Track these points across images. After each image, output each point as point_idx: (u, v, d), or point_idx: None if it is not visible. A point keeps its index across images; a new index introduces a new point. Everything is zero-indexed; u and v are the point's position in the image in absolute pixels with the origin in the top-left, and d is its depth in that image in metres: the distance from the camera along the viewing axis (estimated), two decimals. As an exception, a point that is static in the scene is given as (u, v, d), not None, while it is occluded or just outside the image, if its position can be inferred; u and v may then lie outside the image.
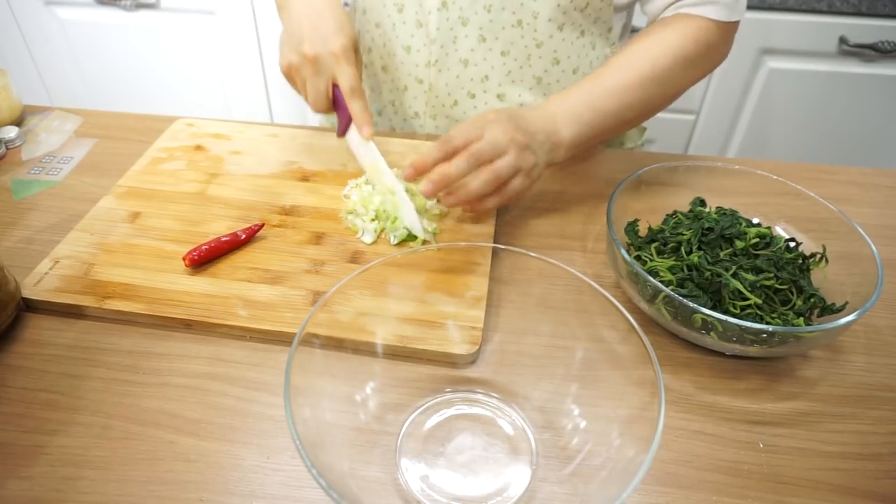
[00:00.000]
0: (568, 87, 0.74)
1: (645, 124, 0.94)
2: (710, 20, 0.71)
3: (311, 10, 0.71)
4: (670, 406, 0.52)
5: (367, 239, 0.65)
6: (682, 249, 0.58)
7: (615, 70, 0.71)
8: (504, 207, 0.71)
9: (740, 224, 0.59)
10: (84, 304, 0.57)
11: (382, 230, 0.66)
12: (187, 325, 0.57)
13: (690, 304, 0.50)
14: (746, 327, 0.49)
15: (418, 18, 0.78)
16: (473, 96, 0.82)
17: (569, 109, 0.69)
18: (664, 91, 0.72)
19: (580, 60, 0.81)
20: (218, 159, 0.77)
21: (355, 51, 0.71)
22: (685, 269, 0.56)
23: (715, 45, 0.73)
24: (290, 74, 0.72)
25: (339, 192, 0.72)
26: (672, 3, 0.74)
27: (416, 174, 0.63)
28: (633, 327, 0.44)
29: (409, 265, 0.55)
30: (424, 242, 0.65)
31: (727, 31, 0.73)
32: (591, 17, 0.78)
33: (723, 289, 0.54)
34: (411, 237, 0.65)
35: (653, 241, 0.61)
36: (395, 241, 0.65)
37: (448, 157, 0.62)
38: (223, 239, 0.62)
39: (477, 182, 0.62)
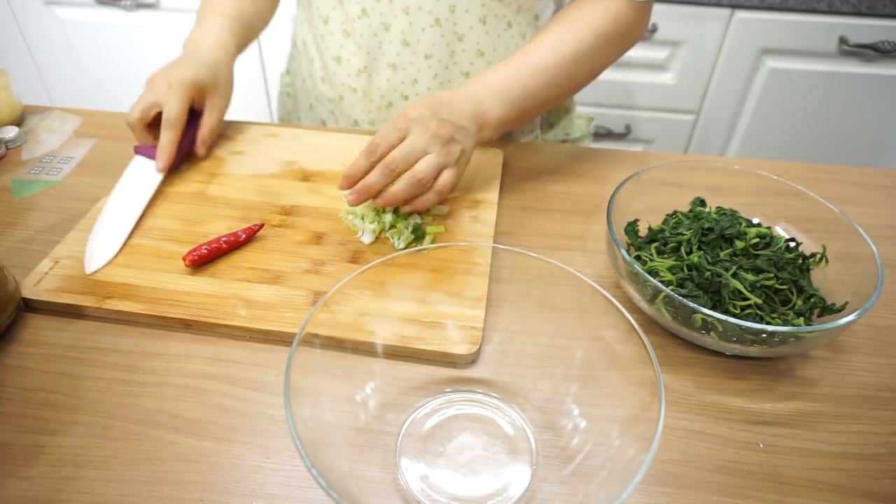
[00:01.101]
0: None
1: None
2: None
3: (194, 40, 0.76)
4: (670, 406, 0.52)
5: (367, 239, 0.64)
6: (682, 249, 0.58)
7: (541, 48, 0.71)
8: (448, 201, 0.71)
9: (740, 224, 0.59)
10: (84, 304, 0.57)
11: (382, 230, 0.66)
12: (187, 325, 0.57)
13: (690, 304, 0.50)
14: (746, 327, 0.49)
15: (344, 28, 0.79)
16: (406, 98, 0.83)
17: (495, 87, 0.69)
18: (589, 69, 0.73)
19: (508, 52, 0.81)
20: (218, 159, 0.77)
21: (206, 93, 0.74)
22: (685, 269, 0.56)
23: (634, 24, 0.73)
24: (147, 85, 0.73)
25: (339, 192, 0.72)
26: None
27: (350, 185, 0.63)
28: (633, 327, 0.44)
29: (409, 265, 0.55)
30: (433, 241, 0.65)
31: (642, 10, 0.74)
32: (513, 7, 0.78)
33: (723, 289, 0.54)
34: (417, 240, 0.65)
35: (653, 241, 0.61)
36: (402, 246, 0.65)
37: (375, 164, 0.63)
38: (223, 239, 0.62)
39: (399, 186, 0.62)
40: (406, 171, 0.62)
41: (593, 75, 0.75)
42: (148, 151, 0.73)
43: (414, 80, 0.81)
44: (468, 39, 0.79)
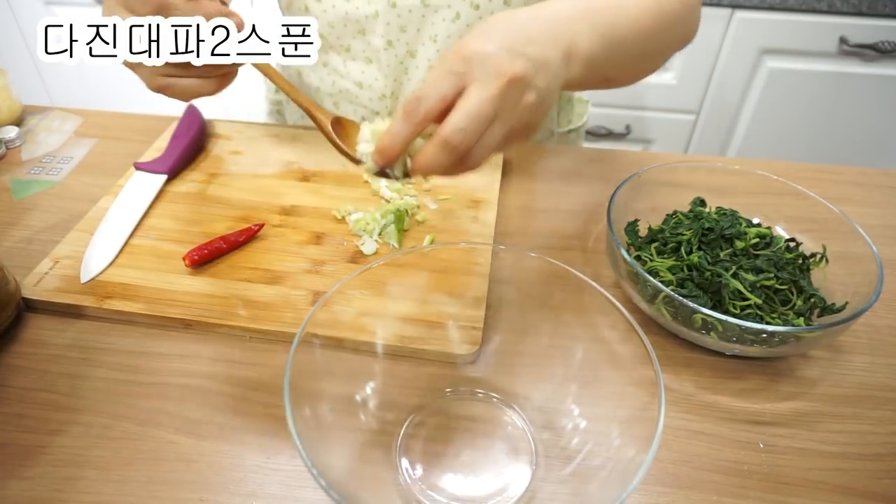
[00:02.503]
0: None
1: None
2: None
3: None
4: (670, 406, 0.52)
5: (368, 249, 0.64)
6: (682, 249, 0.58)
7: None
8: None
9: (740, 224, 0.59)
10: (84, 304, 0.57)
11: (382, 237, 0.66)
12: (187, 325, 0.57)
13: (690, 304, 0.50)
14: (746, 327, 0.49)
15: (367, 56, 0.79)
16: None
17: (579, 14, 0.51)
18: (667, 36, 0.62)
19: None
20: (218, 159, 0.77)
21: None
22: (685, 269, 0.56)
23: (695, 12, 0.67)
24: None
25: (338, 192, 0.72)
26: None
27: (387, 162, 0.46)
28: (633, 327, 0.44)
29: (409, 265, 0.55)
30: (433, 240, 0.65)
31: (698, 5, 0.67)
32: None
33: (723, 289, 0.54)
34: (394, 225, 0.65)
35: (653, 241, 0.61)
36: (393, 243, 0.64)
37: (418, 128, 0.44)
38: (223, 239, 0.62)
39: (432, 158, 0.45)
40: (474, 146, 0.44)
41: (666, 54, 0.66)
42: (148, 167, 0.73)
43: None
44: None
